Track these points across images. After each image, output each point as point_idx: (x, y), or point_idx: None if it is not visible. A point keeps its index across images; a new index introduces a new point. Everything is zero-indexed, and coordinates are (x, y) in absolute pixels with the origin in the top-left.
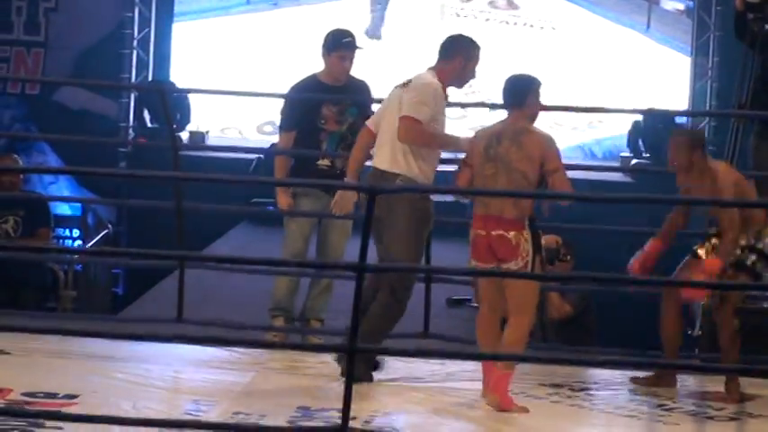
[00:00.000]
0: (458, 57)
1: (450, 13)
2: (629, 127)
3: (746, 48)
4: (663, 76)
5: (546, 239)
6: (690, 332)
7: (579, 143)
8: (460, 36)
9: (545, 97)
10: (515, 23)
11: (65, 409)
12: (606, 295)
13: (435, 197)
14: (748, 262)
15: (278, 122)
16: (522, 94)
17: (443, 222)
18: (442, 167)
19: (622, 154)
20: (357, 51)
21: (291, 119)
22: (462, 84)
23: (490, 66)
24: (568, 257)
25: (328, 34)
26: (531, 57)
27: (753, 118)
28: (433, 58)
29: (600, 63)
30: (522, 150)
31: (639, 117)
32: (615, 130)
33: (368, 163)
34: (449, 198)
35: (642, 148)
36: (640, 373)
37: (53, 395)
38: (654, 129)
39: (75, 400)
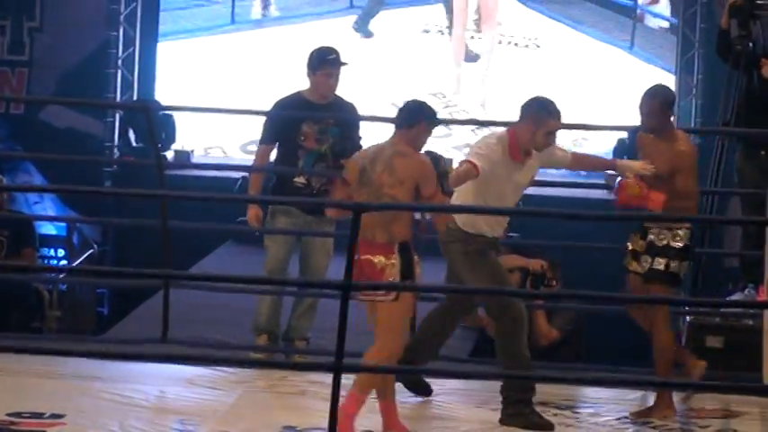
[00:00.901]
0: (528, 119)
1: (434, 30)
2: (613, 144)
3: (730, 67)
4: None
5: (531, 264)
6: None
7: None
8: (533, 99)
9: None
10: (500, 42)
11: (51, 429)
12: (598, 315)
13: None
14: (661, 267)
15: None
16: (415, 116)
17: (433, 240)
18: None
19: (608, 171)
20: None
21: (269, 133)
22: (537, 148)
23: (476, 84)
24: (554, 282)
25: (312, 53)
26: (515, 75)
27: (739, 135)
28: (416, 75)
29: (585, 81)
30: (394, 175)
31: (624, 134)
32: (600, 148)
33: None
34: None
35: None
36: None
37: (39, 415)
38: None
39: (61, 420)
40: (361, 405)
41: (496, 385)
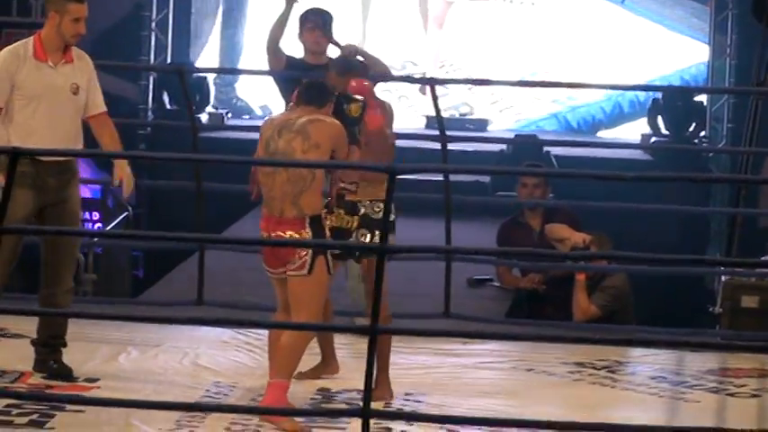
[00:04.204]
0: (51, 12)
1: None
2: (605, 95)
3: (764, 27)
4: (641, 48)
5: (574, 236)
6: (711, 309)
7: (554, 112)
8: None
9: (529, 73)
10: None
11: (86, 393)
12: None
13: (456, 177)
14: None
15: None
16: (327, 96)
17: (463, 202)
18: (461, 146)
19: (642, 132)
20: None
21: (282, 95)
22: (69, 42)
23: (470, 43)
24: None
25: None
26: (510, 32)
27: None
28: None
29: (579, 37)
30: (310, 139)
31: (658, 94)
32: (590, 99)
33: None
34: (470, 178)
35: (662, 126)
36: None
37: (74, 379)
38: (674, 107)
39: (96, 384)
40: (287, 390)
41: (531, 346)
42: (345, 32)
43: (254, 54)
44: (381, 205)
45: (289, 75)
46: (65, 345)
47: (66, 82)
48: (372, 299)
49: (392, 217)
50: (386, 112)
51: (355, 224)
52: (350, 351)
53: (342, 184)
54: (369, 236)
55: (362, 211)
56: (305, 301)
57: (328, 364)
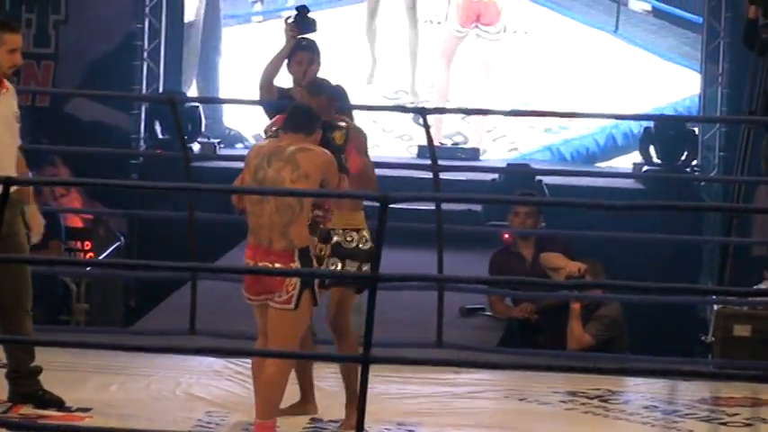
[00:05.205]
0: None
1: (423, 19)
2: (598, 128)
3: (756, 56)
4: (633, 77)
5: (569, 265)
6: (703, 338)
7: (548, 144)
8: None
9: (522, 102)
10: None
11: (78, 423)
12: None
13: (448, 206)
14: (354, 270)
15: None
16: (315, 123)
17: (456, 231)
18: (453, 175)
19: (634, 161)
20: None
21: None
22: (6, 73)
23: (464, 72)
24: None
25: None
26: (503, 62)
27: (765, 124)
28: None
29: (571, 66)
30: (299, 169)
31: (650, 123)
32: (583, 131)
33: None
34: (462, 207)
35: (654, 155)
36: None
37: (66, 408)
38: (666, 135)
39: (88, 413)
40: (274, 428)
41: (524, 376)
42: (355, 61)
43: (232, 86)
44: (354, 234)
45: (277, 105)
46: (41, 370)
47: (9, 111)
48: (365, 327)
49: (368, 245)
50: (361, 138)
51: (327, 252)
52: (340, 381)
53: (317, 212)
54: (339, 265)
55: (335, 239)
56: (285, 333)
57: (308, 402)
